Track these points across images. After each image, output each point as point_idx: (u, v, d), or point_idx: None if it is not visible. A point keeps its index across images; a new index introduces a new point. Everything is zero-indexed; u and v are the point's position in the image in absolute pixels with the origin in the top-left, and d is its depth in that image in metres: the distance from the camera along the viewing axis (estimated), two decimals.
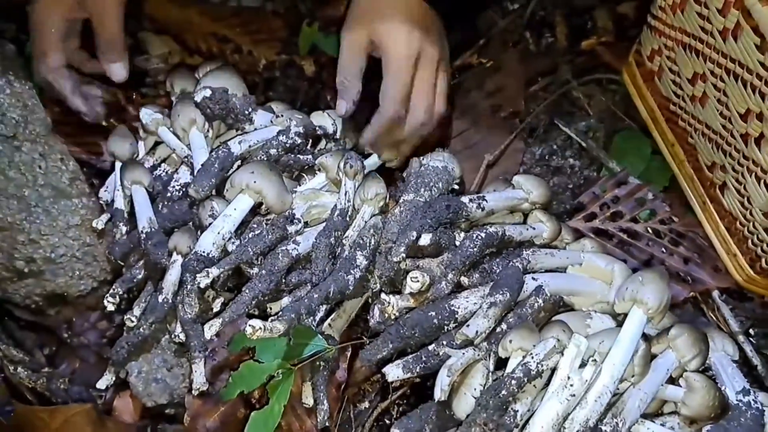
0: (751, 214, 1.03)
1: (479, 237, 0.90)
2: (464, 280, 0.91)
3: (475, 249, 0.90)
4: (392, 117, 1.06)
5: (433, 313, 0.85)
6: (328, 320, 1.00)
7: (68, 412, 0.86)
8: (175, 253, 1.01)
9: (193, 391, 0.98)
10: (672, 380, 0.87)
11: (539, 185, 1.04)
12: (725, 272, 1.12)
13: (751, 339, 1.09)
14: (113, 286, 1.04)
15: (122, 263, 1.08)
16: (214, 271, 0.93)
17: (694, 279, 1.12)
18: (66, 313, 1.13)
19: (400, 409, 0.99)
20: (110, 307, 1.03)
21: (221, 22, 1.41)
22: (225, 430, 0.98)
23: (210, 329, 0.90)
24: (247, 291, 0.93)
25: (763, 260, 1.05)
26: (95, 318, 1.14)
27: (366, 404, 1.03)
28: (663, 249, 1.14)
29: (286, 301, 1.00)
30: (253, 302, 0.93)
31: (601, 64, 1.35)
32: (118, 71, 1.11)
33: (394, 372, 0.83)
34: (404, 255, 0.90)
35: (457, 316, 0.86)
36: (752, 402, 0.84)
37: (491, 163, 1.24)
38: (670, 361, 0.83)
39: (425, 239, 0.90)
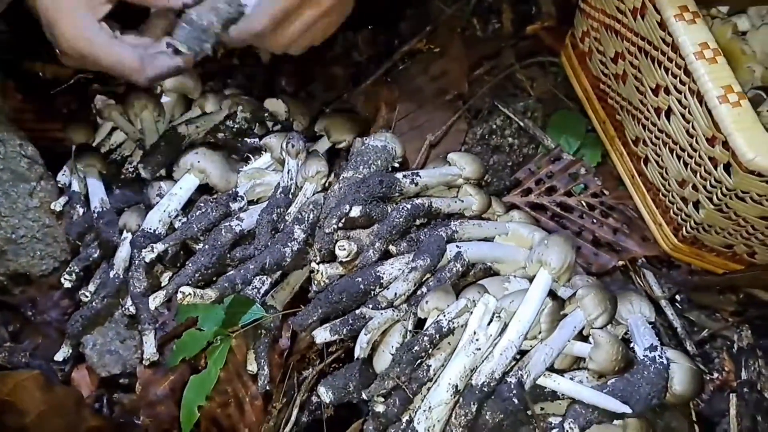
0: (669, 184, 1.09)
1: (405, 208, 0.96)
2: (392, 248, 0.97)
3: (401, 219, 0.95)
4: None
5: (360, 279, 0.91)
6: (272, 292, 1.06)
7: (18, 378, 0.92)
8: (125, 231, 1.07)
9: (143, 362, 1.04)
10: (585, 339, 0.93)
11: (472, 161, 1.10)
12: (653, 242, 1.18)
13: (677, 304, 1.15)
14: (70, 264, 1.11)
15: (79, 243, 1.14)
16: (159, 247, 0.99)
17: (622, 248, 1.18)
18: (30, 292, 1.19)
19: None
20: (67, 284, 1.10)
21: None
22: (175, 397, 1.04)
23: (154, 300, 0.95)
24: (190, 264, 0.99)
25: (684, 228, 1.11)
26: (58, 296, 1.20)
27: (310, 371, 1.09)
28: (593, 221, 1.20)
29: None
30: (196, 275, 0.99)
31: (544, 48, 1.40)
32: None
33: (322, 335, 0.89)
34: (336, 226, 0.96)
35: (382, 281, 0.92)
36: (657, 357, 0.90)
37: (434, 143, 1.30)
38: (578, 319, 0.89)
39: (355, 211, 0.95)
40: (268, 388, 1.00)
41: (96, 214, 1.08)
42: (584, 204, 1.23)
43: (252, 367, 1.02)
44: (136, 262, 1.02)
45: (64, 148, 1.24)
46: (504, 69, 1.39)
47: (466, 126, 1.33)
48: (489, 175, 1.29)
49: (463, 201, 1.05)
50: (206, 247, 1.01)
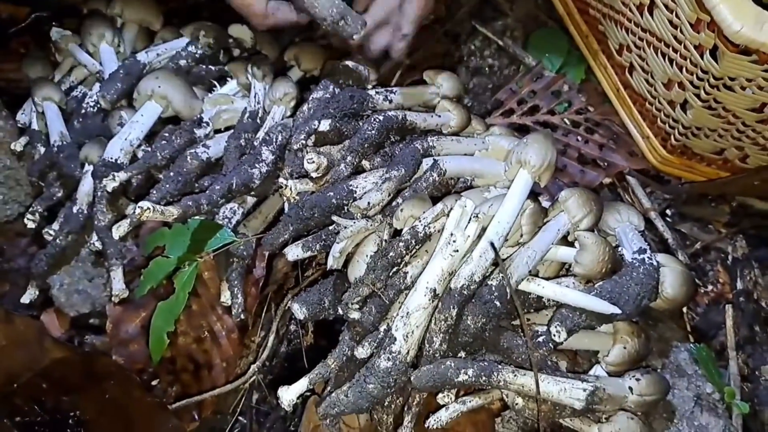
0: (655, 89, 1.04)
1: (377, 120, 0.91)
2: (366, 164, 0.92)
3: (373, 131, 0.90)
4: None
5: (332, 194, 0.86)
6: (244, 222, 1.01)
7: None
8: (86, 164, 1.02)
9: (113, 298, 0.99)
10: (571, 245, 0.89)
11: (449, 78, 1.05)
12: (641, 156, 1.14)
13: (667, 218, 1.11)
14: (32, 204, 1.06)
15: (41, 182, 1.09)
16: (122, 176, 0.94)
17: (609, 164, 1.13)
18: None
19: None
20: (30, 225, 1.04)
21: None
22: (146, 334, 0.99)
23: (118, 230, 0.91)
24: (154, 191, 0.94)
25: (672, 137, 1.06)
26: (25, 243, 1.15)
27: (288, 297, 1.04)
28: (578, 138, 1.15)
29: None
30: (162, 202, 0.94)
31: None
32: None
33: (293, 251, 0.85)
34: (304, 142, 0.91)
35: (355, 195, 0.87)
36: (647, 259, 0.85)
37: (410, 66, 1.24)
38: (562, 222, 0.84)
39: (324, 125, 0.90)
40: (242, 317, 0.96)
41: (56, 149, 1.03)
42: (568, 122, 1.18)
43: (225, 297, 0.98)
44: (99, 193, 0.96)
45: (22, 90, 1.18)
46: None
47: (444, 50, 1.28)
48: (470, 98, 1.24)
49: (440, 116, 1.00)
50: (171, 174, 0.96)
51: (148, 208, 0.81)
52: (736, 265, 1.05)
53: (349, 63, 1.05)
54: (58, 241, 1.00)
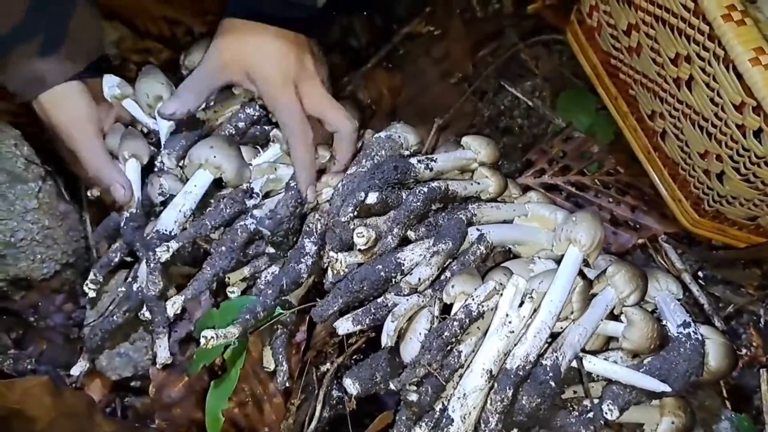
0: (690, 157, 1.06)
1: (422, 192, 0.93)
2: (411, 234, 0.93)
3: (418, 203, 0.92)
4: (305, 139, 0.99)
5: (380, 267, 0.87)
6: None
7: (26, 384, 0.87)
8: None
9: (157, 365, 0.99)
10: (616, 318, 0.90)
11: (487, 144, 1.07)
12: (672, 218, 1.16)
13: (699, 281, 1.12)
14: (92, 272, 1.03)
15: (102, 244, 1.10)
16: (174, 245, 0.94)
17: (641, 226, 1.15)
18: (31, 297, 1.14)
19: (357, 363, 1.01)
20: (91, 294, 1.02)
21: (172, 5, 1.42)
22: (190, 399, 1.00)
23: (172, 307, 0.91)
24: (207, 268, 0.94)
25: (706, 202, 1.08)
26: (60, 300, 1.15)
27: (328, 366, 1.05)
28: (610, 199, 1.17)
29: (246, 271, 1.02)
30: (214, 279, 0.94)
31: (547, 26, 1.37)
32: (119, 191, 1.00)
33: (344, 325, 0.86)
34: (352, 215, 0.92)
35: (403, 267, 0.88)
36: (692, 333, 0.87)
37: (442, 127, 1.27)
38: (609, 297, 0.86)
39: (372, 198, 0.92)
40: (287, 384, 0.97)
41: (128, 215, 1.01)
42: (599, 182, 1.20)
43: (269, 364, 0.98)
44: (151, 264, 0.96)
45: None
46: (508, 49, 1.36)
47: (473, 108, 1.30)
48: (500, 157, 1.26)
49: (479, 183, 1.02)
50: (223, 249, 0.96)
51: (212, 337, 0.82)
52: None
53: (383, 134, 1.06)
54: (115, 317, 0.99)
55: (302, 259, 0.95)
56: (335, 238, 0.93)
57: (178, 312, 0.90)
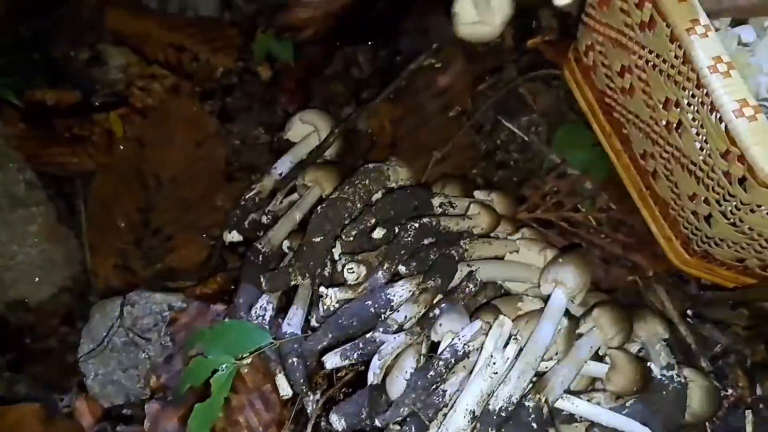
0: (679, 198, 1.07)
1: (413, 227, 0.95)
2: (402, 269, 0.95)
3: (410, 239, 0.94)
4: None
5: (370, 302, 0.89)
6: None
7: (18, 412, 0.89)
8: None
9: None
10: (601, 359, 0.91)
11: (506, 203, 1.10)
12: (663, 256, 1.17)
13: (688, 319, 1.13)
14: None
15: None
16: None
17: (632, 263, 1.16)
18: (28, 319, 1.16)
19: (346, 397, 1.02)
20: None
21: (179, 33, 1.45)
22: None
23: None
24: None
25: (695, 242, 1.09)
26: (56, 323, 1.17)
27: (318, 395, 1.06)
28: (602, 236, 1.19)
29: None
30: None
31: (546, 62, 1.39)
32: None
33: (332, 360, 0.87)
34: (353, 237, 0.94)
35: (393, 303, 0.90)
36: (675, 376, 0.88)
37: (440, 160, 1.28)
38: (594, 340, 0.87)
39: (379, 233, 0.94)
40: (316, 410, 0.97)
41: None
42: (592, 219, 1.21)
43: (285, 390, 0.99)
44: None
45: (66, 172, 1.22)
46: (507, 84, 1.38)
47: (470, 142, 1.32)
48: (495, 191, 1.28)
49: (471, 219, 1.04)
50: None
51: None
52: (755, 370, 1.07)
53: (370, 165, 1.08)
54: None
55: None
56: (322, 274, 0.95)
57: None
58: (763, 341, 1.09)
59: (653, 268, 1.15)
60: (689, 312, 1.14)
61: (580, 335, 0.89)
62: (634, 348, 0.97)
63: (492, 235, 1.08)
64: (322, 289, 0.91)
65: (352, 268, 0.89)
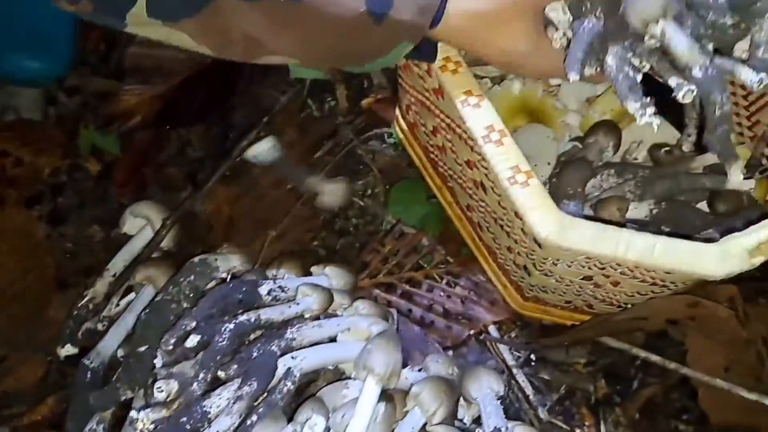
0: (501, 249, 1.09)
1: (228, 329, 0.92)
2: (221, 374, 0.91)
3: (224, 342, 0.91)
4: None
5: (185, 419, 0.85)
6: None
7: None
8: None
9: None
10: None
11: (342, 276, 1.08)
12: (502, 303, 1.19)
13: (533, 364, 1.15)
14: None
15: None
16: None
17: (472, 316, 1.17)
18: None
19: None
20: None
21: None
22: None
23: None
24: None
25: (524, 289, 1.11)
26: None
27: None
28: (441, 293, 1.19)
29: None
30: None
31: (380, 120, 1.41)
32: None
33: None
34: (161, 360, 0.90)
35: (209, 416, 0.86)
36: None
37: (278, 236, 1.27)
38: (415, 419, 0.86)
39: (192, 341, 0.91)
40: None
41: None
42: (434, 276, 1.22)
43: None
44: None
45: None
46: (344, 146, 1.38)
47: (311, 213, 1.31)
48: (339, 260, 1.26)
49: (299, 304, 1.01)
50: None
51: None
52: (598, 406, 1.09)
53: (196, 259, 1.06)
54: None
55: None
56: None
57: None
58: (603, 375, 1.12)
59: (494, 318, 1.16)
60: (533, 357, 1.16)
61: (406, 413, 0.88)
62: (473, 411, 0.97)
63: (329, 312, 1.07)
64: (132, 413, 0.87)
65: (160, 387, 0.85)
